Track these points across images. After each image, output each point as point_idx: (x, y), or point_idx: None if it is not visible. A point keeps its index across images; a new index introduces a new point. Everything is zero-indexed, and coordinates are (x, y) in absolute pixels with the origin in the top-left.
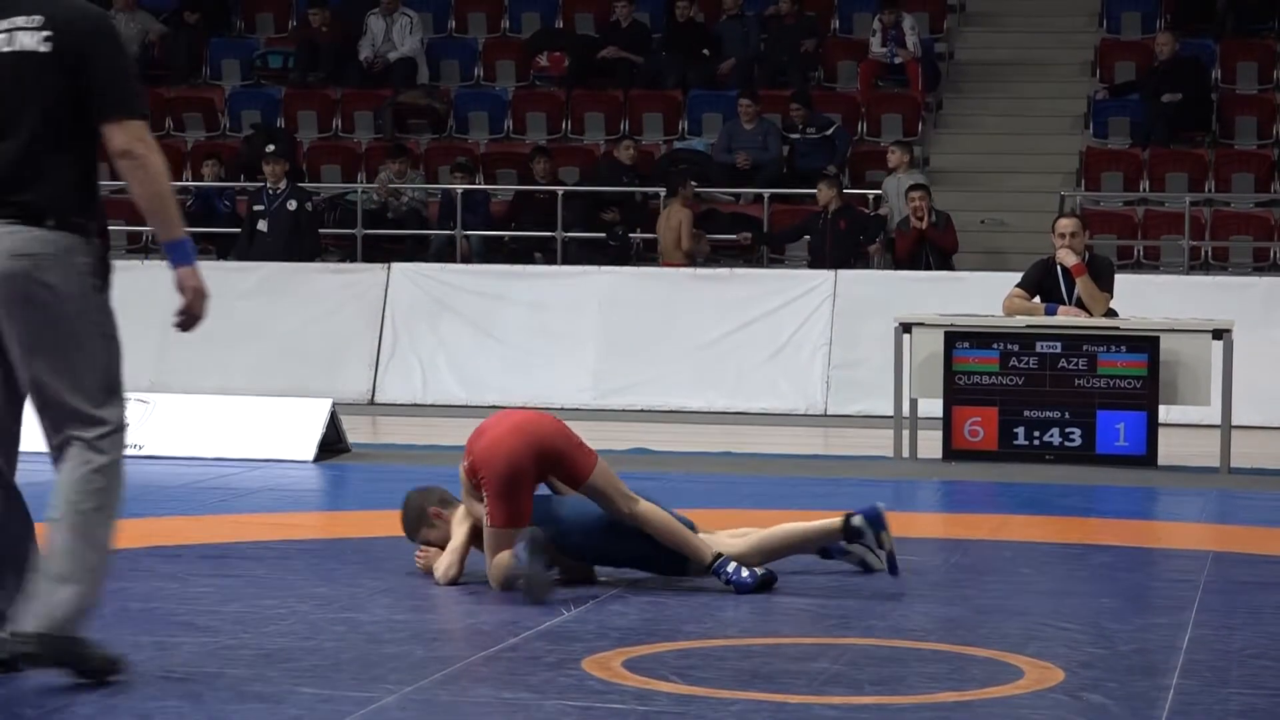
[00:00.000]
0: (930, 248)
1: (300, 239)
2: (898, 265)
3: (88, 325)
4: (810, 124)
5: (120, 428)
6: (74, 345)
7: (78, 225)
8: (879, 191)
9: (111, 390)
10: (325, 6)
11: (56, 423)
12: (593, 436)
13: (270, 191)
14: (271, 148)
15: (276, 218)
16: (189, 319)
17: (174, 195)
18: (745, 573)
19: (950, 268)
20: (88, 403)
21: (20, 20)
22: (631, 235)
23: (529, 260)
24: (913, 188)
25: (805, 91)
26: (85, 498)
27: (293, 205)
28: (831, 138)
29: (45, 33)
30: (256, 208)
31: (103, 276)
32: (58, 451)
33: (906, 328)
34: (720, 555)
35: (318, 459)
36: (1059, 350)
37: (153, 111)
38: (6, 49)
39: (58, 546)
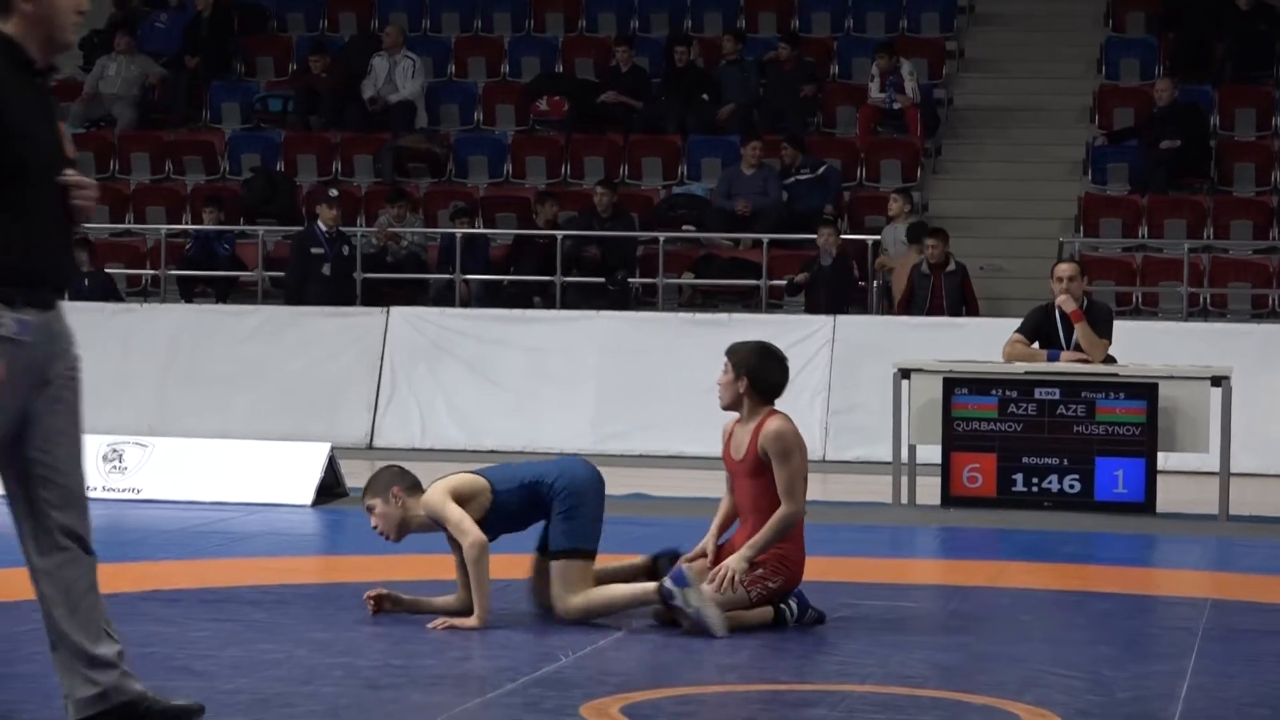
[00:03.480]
0: (948, 294)
1: (351, 282)
2: (896, 307)
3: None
4: (803, 165)
5: None
6: None
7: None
8: (878, 237)
9: None
10: (325, 52)
11: None
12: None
13: (327, 235)
14: (335, 192)
15: (337, 262)
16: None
17: None
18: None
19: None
20: None
21: None
22: (630, 280)
23: (528, 304)
24: (932, 232)
25: (796, 133)
26: None
27: (346, 250)
28: (824, 177)
29: None
30: (315, 250)
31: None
32: None
33: (905, 373)
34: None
35: (316, 503)
36: (1058, 397)
37: (153, 154)
38: None
39: None
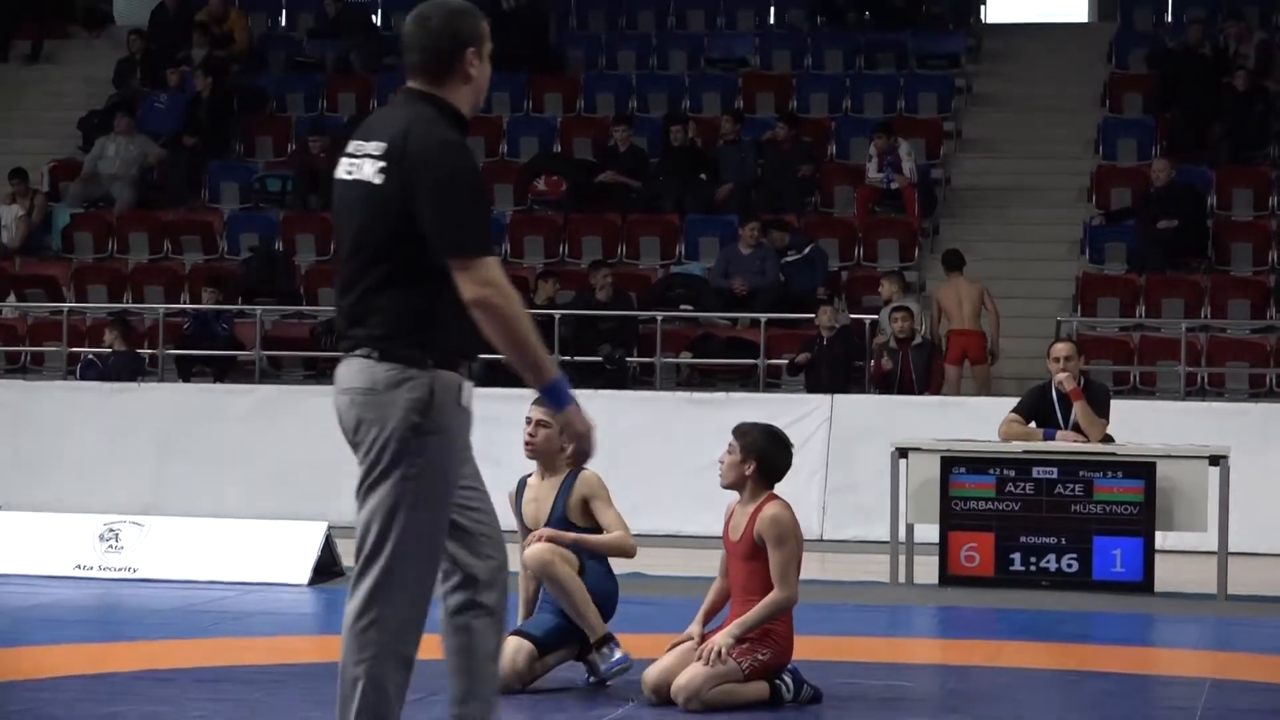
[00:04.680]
0: (915, 367)
1: None
2: (880, 387)
3: (399, 465)
4: (790, 246)
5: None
6: (386, 490)
7: (407, 359)
8: (875, 317)
9: (417, 562)
10: (324, 131)
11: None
12: None
13: None
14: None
15: None
16: (582, 457)
17: (535, 336)
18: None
19: (932, 391)
20: (385, 550)
21: (371, 146)
22: (628, 359)
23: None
24: (897, 308)
25: (780, 216)
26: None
27: None
28: (810, 257)
29: (383, 163)
30: None
31: (425, 414)
32: None
33: (903, 452)
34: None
35: (312, 582)
36: (1055, 476)
37: (151, 234)
38: (359, 178)
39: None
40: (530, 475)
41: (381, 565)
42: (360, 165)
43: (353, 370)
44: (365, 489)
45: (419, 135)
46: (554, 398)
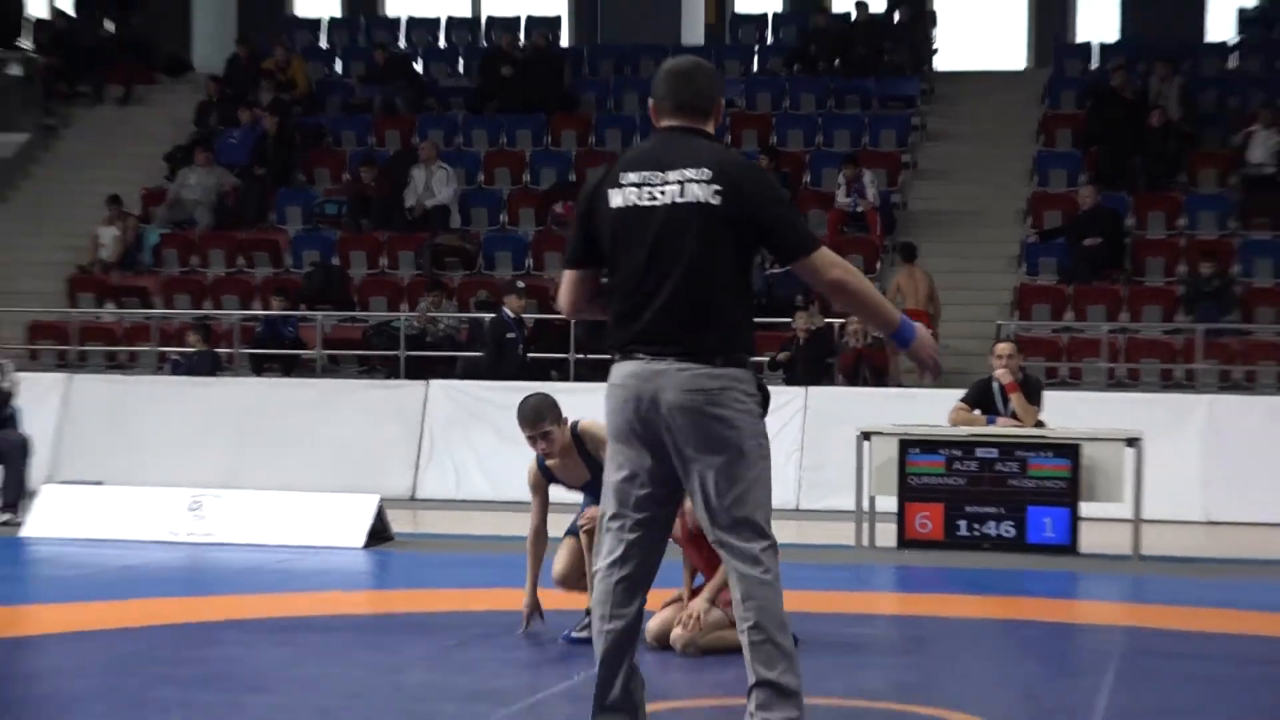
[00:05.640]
0: (866, 364)
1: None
2: (846, 379)
3: (755, 448)
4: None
5: (775, 543)
6: (745, 466)
7: (740, 360)
8: (844, 320)
9: (769, 507)
10: (374, 164)
11: (715, 526)
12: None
13: (515, 320)
14: (522, 285)
15: (522, 343)
16: (936, 372)
17: (878, 293)
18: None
19: (884, 381)
20: (756, 515)
21: (690, 172)
22: None
23: (546, 378)
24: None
25: None
26: (747, 613)
27: (528, 332)
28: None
29: (716, 186)
30: (509, 335)
31: (762, 404)
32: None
33: (867, 436)
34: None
35: (367, 546)
36: (996, 455)
37: (227, 251)
38: (681, 200)
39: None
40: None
41: (763, 528)
42: (664, 191)
43: (695, 374)
44: (720, 475)
45: (739, 164)
46: (903, 334)
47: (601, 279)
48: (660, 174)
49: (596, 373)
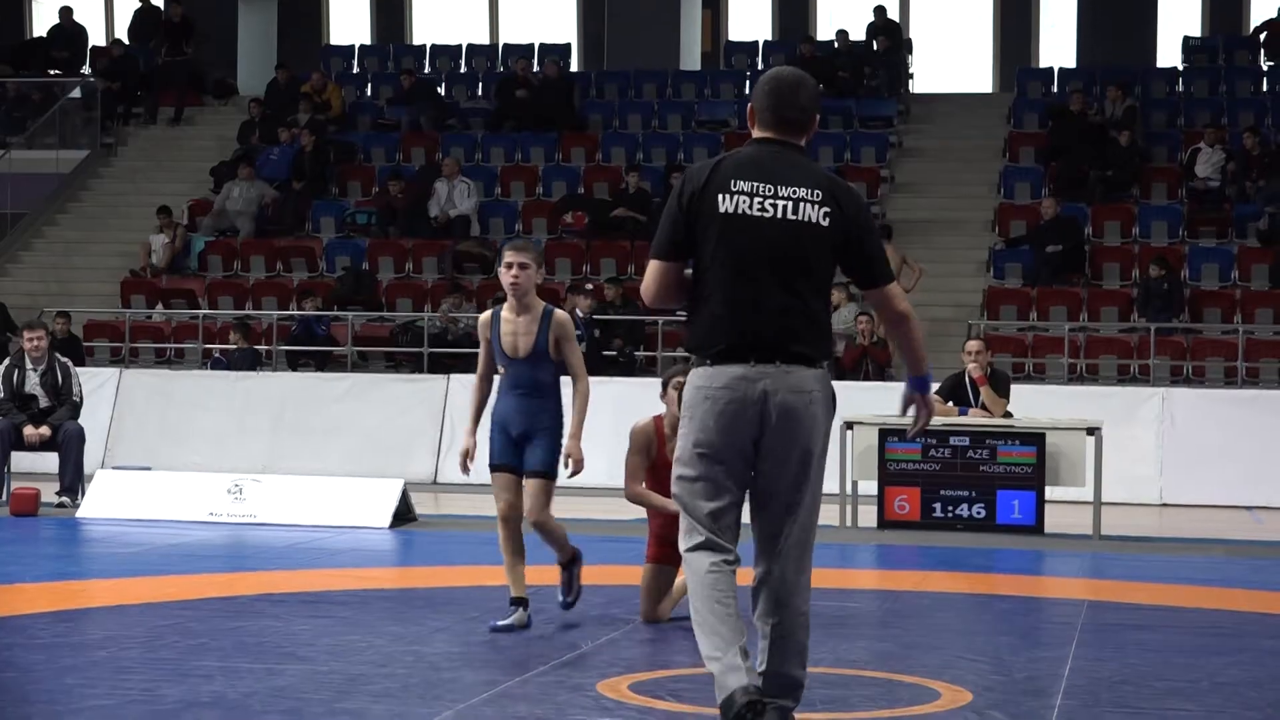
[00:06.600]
0: (870, 360)
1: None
2: (843, 374)
3: (825, 446)
4: None
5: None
6: (817, 464)
7: (826, 366)
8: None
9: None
10: (400, 178)
11: (775, 523)
12: (605, 509)
13: (584, 321)
14: (590, 286)
15: (590, 341)
16: (919, 431)
17: (923, 335)
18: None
19: (885, 377)
20: (812, 515)
21: (803, 191)
22: (637, 354)
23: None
24: (861, 313)
25: None
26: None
27: (598, 332)
28: None
29: (826, 208)
30: (575, 333)
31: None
32: (769, 542)
33: (850, 425)
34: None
35: (392, 526)
36: (968, 443)
37: (267, 257)
38: (793, 216)
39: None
40: (502, 309)
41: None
42: (776, 205)
43: (801, 376)
44: (799, 465)
45: (845, 189)
46: (925, 381)
47: (686, 271)
48: (770, 186)
49: (604, 368)
